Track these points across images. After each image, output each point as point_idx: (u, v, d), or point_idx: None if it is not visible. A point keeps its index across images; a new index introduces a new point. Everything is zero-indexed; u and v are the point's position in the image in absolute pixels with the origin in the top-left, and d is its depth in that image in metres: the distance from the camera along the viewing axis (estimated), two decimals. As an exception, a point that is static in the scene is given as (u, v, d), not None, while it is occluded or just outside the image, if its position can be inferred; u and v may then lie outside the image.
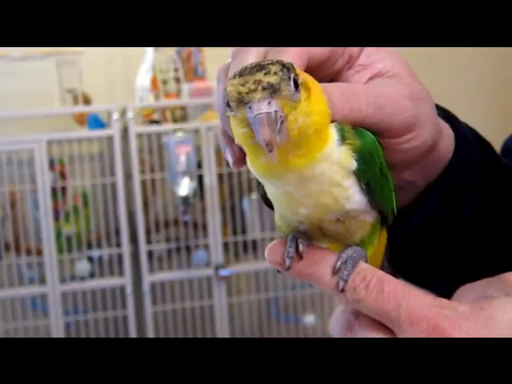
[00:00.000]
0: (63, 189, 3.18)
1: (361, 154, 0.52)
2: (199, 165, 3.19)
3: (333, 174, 0.52)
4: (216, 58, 3.38)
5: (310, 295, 3.47)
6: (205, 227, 3.25)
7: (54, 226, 3.08)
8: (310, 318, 3.43)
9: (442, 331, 0.48)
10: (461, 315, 0.48)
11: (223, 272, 3.20)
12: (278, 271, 0.55)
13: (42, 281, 3.13)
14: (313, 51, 0.55)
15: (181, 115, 3.31)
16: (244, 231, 3.34)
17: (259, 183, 0.57)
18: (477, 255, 0.67)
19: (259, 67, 0.48)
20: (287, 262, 0.53)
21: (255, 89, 0.47)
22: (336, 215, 0.54)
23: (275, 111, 0.47)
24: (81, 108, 3.25)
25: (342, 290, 0.51)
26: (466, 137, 0.66)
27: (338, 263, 0.52)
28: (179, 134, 3.15)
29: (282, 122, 0.47)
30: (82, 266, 3.17)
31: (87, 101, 3.29)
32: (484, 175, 0.66)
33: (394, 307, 0.49)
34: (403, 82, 0.58)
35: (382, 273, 0.52)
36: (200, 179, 3.20)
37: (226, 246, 3.29)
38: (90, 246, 3.20)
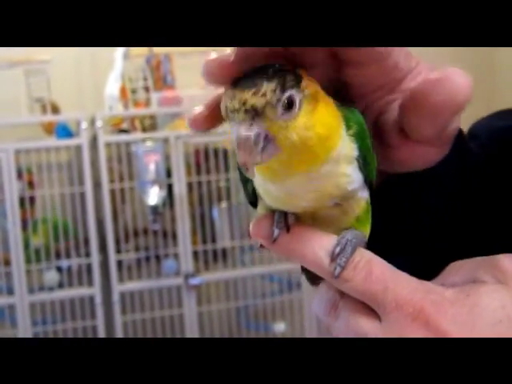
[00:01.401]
0: (31, 198, 3.15)
1: (358, 136, 0.52)
2: (168, 174, 3.19)
3: (338, 168, 0.51)
4: (185, 67, 3.40)
5: (280, 303, 3.48)
6: (174, 236, 3.24)
7: (22, 236, 3.05)
8: (280, 326, 3.44)
9: (427, 316, 0.48)
10: (446, 301, 0.48)
11: (193, 281, 3.20)
12: (261, 246, 0.54)
13: (10, 291, 3.10)
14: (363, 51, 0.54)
15: (150, 124, 3.30)
16: (214, 240, 3.34)
17: (245, 181, 0.57)
18: (445, 238, 0.66)
19: (252, 83, 0.47)
20: (276, 232, 0.52)
21: (239, 109, 0.47)
22: (336, 200, 0.53)
23: (256, 134, 0.47)
24: (49, 117, 3.23)
25: (337, 277, 0.51)
26: None
27: (337, 249, 0.51)
28: (148, 143, 3.14)
29: (268, 141, 0.47)
30: (51, 276, 3.15)
31: (55, 110, 3.27)
32: (457, 162, 0.65)
33: (380, 289, 0.49)
34: None
35: (371, 254, 0.52)
36: (169, 188, 3.19)
37: (195, 254, 3.29)
38: (58, 256, 3.18)
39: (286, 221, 0.53)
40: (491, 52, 4.05)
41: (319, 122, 0.49)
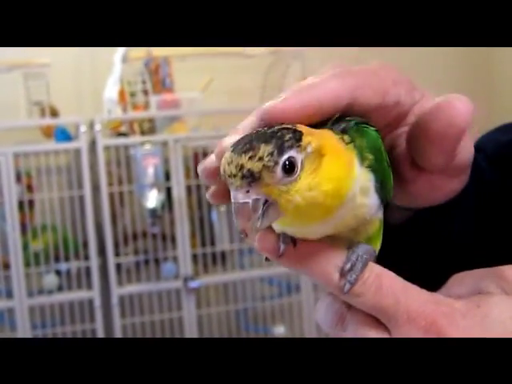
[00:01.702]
0: (30, 202, 3.15)
1: (374, 163, 0.51)
2: (167, 177, 3.19)
3: (355, 202, 0.50)
4: (184, 70, 3.40)
5: (280, 306, 3.48)
6: (173, 239, 3.24)
7: (21, 240, 3.05)
8: (279, 329, 3.44)
9: (439, 328, 0.48)
10: (457, 313, 0.48)
11: (192, 284, 3.20)
12: (267, 259, 0.53)
13: (9, 295, 3.09)
14: (362, 95, 0.52)
15: (149, 127, 3.30)
16: (213, 243, 3.34)
17: None
18: (468, 262, 0.66)
19: (249, 146, 0.45)
20: (282, 247, 0.51)
21: (236, 174, 0.45)
22: (352, 227, 0.52)
23: (254, 200, 0.45)
24: (48, 120, 3.23)
25: (346, 292, 0.50)
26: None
27: (347, 266, 0.50)
28: (147, 147, 3.14)
29: (269, 206, 0.46)
30: (50, 280, 3.15)
31: (54, 113, 3.27)
32: (473, 185, 0.65)
33: (392, 303, 0.49)
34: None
35: (381, 268, 0.51)
36: (168, 191, 3.19)
37: (194, 257, 3.28)
38: (57, 260, 3.17)
39: (293, 236, 0.51)
40: (489, 52, 4.05)
41: (325, 178, 0.47)
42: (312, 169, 0.46)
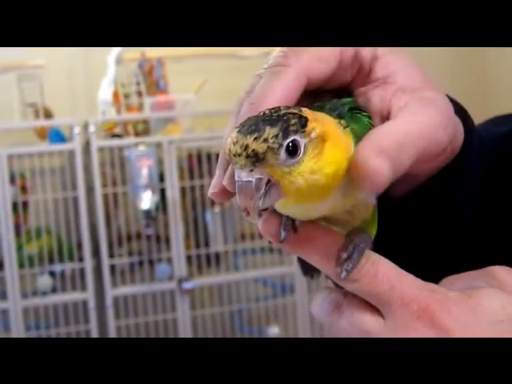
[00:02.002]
0: (24, 203, 3.15)
1: None
2: (161, 178, 3.19)
3: (351, 187, 0.51)
4: (178, 72, 3.41)
5: (274, 307, 3.49)
6: (167, 240, 3.25)
7: (16, 241, 3.05)
8: (273, 330, 3.44)
9: (432, 313, 0.49)
10: (450, 300, 0.49)
11: (186, 285, 3.20)
12: (270, 242, 0.54)
13: (3, 296, 3.09)
14: (313, 71, 0.53)
15: (143, 129, 3.31)
16: (207, 244, 3.34)
17: None
18: (469, 251, 0.66)
19: (255, 127, 0.47)
20: (283, 234, 0.52)
21: (240, 153, 0.47)
22: (347, 208, 0.53)
23: (257, 179, 0.47)
24: (42, 122, 3.23)
25: (343, 279, 0.51)
26: (473, 136, 0.64)
27: (344, 255, 0.52)
28: (141, 148, 3.15)
29: (271, 186, 0.47)
30: (44, 281, 3.15)
31: (48, 115, 3.27)
32: (480, 173, 0.66)
33: (386, 289, 0.50)
34: (434, 104, 0.55)
35: (377, 255, 0.52)
36: (162, 192, 3.20)
37: (188, 258, 3.29)
38: (51, 261, 3.17)
39: (294, 222, 0.53)
40: (484, 52, 4.07)
41: (327, 162, 0.48)
42: (315, 153, 0.48)
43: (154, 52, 3.31)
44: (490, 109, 3.88)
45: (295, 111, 0.48)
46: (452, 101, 0.61)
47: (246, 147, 0.46)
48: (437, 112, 0.55)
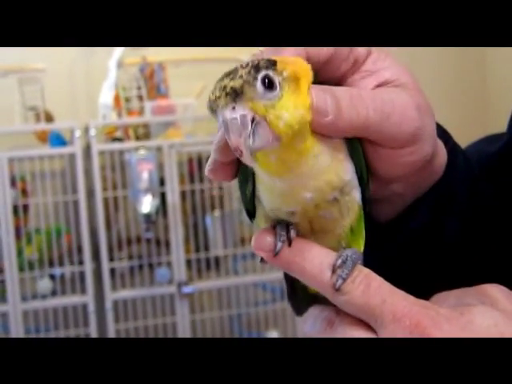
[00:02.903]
0: (25, 206, 3.16)
1: None
2: (162, 182, 3.20)
3: (333, 151, 0.53)
4: (179, 76, 3.41)
5: (273, 311, 3.49)
6: (167, 244, 3.25)
7: (16, 244, 3.06)
8: (272, 335, 3.44)
9: (423, 329, 0.49)
10: (442, 316, 0.49)
11: (186, 289, 3.20)
12: (262, 260, 0.55)
13: (3, 299, 3.09)
14: (313, 51, 0.54)
15: (143, 133, 3.31)
16: (207, 248, 3.35)
17: (245, 182, 0.57)
18: (456, 269, 0.67)
19: (229, 72, 0.49)
20: (278, 245, 0.53)
21: (220, 96, 0.48)
22: (335, 193, 0.53)
23: (242, 115, 0.48)
24: (43, 125, 3.23)
25: (337, 289, 0.51)
26: (456, 155, 0.65)
27: (339, 261, 0.52)
28: (141, 152, 3.15)
29: (256, 124, 0.48)
30: (44, 284, 3.15)
31: (49, 118, 3.27)
32: (467, 192, 0.67)
33: (378, 303, 0.50)
34: (410, 93, 0.57)
35: (368, 270, 0.53)
36: (162, 196, 3.20)
37: (188, 263, 3.29)
38: (51, 264, 3.18)
39: (288, 234, 0.54)
40: (483, 52, 4.07)
41: (304, 104, 0.50)
42: (292, 89, 0.49)
43: (154, 56, 3.32)
44: (490, 109, 3.89)
45: (262, 59, 0.50)
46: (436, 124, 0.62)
47: (224, 87, 0.48)
48: (408, 95, 0.57)
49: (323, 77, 0.56)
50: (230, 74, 0.49)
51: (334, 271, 0.52)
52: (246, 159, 0.49)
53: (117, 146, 3.22)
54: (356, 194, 0.55)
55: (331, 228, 0.55)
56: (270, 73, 0.49)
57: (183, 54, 3.28)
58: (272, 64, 0.49)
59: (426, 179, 0.63)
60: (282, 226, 0.54)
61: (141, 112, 3.32)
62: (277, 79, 0.49)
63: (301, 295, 0.60)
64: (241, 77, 0.48)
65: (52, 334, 3.19)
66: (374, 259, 0.60)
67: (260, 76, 0.49)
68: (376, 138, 0.55)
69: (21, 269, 3.09)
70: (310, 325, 0.56)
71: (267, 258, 0.54)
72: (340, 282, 0.51)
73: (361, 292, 0.51)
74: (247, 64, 0.49)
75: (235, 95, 0.48)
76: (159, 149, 3.18)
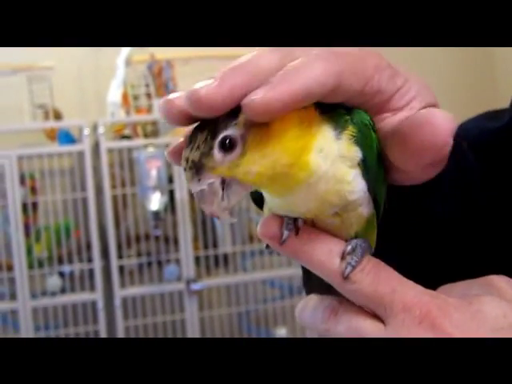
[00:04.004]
0: (34, 204, 3.17)
1: (360, 137, 0.51)
2: (170, 180, 3.20)
3: (336, 172, 0.50)
4: (187, 74, 3.41)
5: (281, 308, 3.49)
6: (176, 241, 3.25)
7: (25, 242, 3.07)
8: (281, 331, 3.44)
9: (433, 319, 0.48)
10: (451, 306, 0.49)
11: (194, 286, 3.21)
12: (267, 247, 0.54)
13: (13, 296, 3.11)
14: (346, 81, 0.50)
15: (152, 130, 3.32)
16: (215, 245, 3.35)
17: None
18: (456, 253, 0.66)
19: (190, 139, 0.48)
20: (285, 234, 0.52)
21: (185, 168, 0.48)
22: (336, 209, 0.52)
23: (209, 184, 0.47)
24: (52, 123, 3.25)
25: (346, 277, 0.51)
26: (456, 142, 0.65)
27: (349, 248, 0.52)
28: (150, 149, 3.16)
29: (229, 184, 0.48)
30: (53, 282, 3.16)
31: (58, 116, 3.28)
32: (454, 169, 0.64)
33: (388, 291, 0.50)
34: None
35: (378, 259, 0.52)
36: (171, 194, 3.21)
37: (197, 260, 3.29)
38: (60, 262, 3.19)
39: (296, 223, 0.53)
40: (492, 51, 4.06)
41: (276, 148, 0.48)
42: (258, 140, 0.47)
43: (162, 54, 3.32)
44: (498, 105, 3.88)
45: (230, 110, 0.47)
46: None
47: (187, 160, 0.48)
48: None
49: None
50: (191, 142, 0.48)
51: (343, 258, 0.51)
52: (224, 220, 0.49)
53: (125, 143, 3.22)
54: (363, 210, 0.54)
55: (335, 233, 0.54)
56: (230, 132, 0.47)
57: (191, 51, 3.28)
58: (234, 117, 0.47)
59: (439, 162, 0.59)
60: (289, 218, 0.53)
61: (149, 110, 3.32)
62: (238, 135, 0.47)
63: (316, 283, 0.58)
64: (198, 148, 0.47)
65: (61, 331, 3.20)
66: (379, 250, 0.59)
67: (217, 142, 0.47)
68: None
69: (30, 266, 3.10)
70: (310, 314, 0.56)
71: (273, 246, 0.53)
72: (349, 269, 0.51)
73: (370, 281, 0.51)
74: (206, 124, 0.47)
75: (197, 168, 0.47)
76: (167, 146, 3.16)
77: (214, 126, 0.47)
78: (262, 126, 0.47)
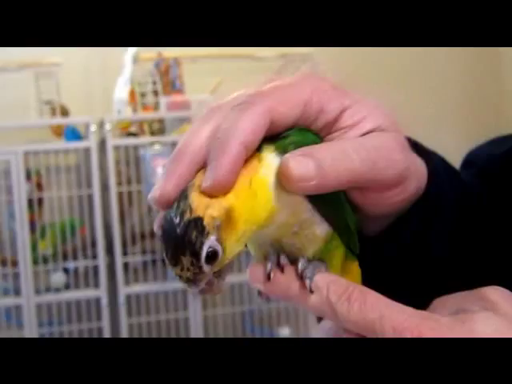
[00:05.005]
0: (40, 200, 3.17)
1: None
2: (176, 178, 3.20)
3: (293, 204, 0.53)
4: (194, 72, 3.42)
5: (285, 308, 3.48)
6: (181, 240, 3.25)
7: (30, 238, 3.07)
8: (284, 331, 3.44)
9: None
10: (443, 327, 0.48)
11: (199, 284, 3.20)
12: (260, 293, 0.56)
13: (17, 292, 3.12)
14: (276, 112, 0.52)
15: (158, 128, 3.32)
16: (220, 244, 3.34)
17: None
18: (448, 281, 0.65)
19: (174, 260, 0.49)
20: (272, 275, 0.54)
21: (180, 277, 0.50)
22: (295, 228, 0.54)
23: (202, 285, 0.51)
24: (58, 120, 3.25)
25: (311, 291, 0.52)
26: (437, 169, 0.65)
27: (299, 265, 0.53)
28: (156, 147, 3.16)
29: (219, 275, 0.52)
30: (58, 278, 3.17)
31: (65, 112, 3.29)
32: (452, 205, 0.66)
33: (377, 317, 0.49)
34: (392, 134, 0.56)
35: (363, 286, 0.52)
36: (177, 192, 3.20)
37: (201, 258, 3.29)
38: (65, 258, 3.19)
39: (279, 261, 0.55)
40: (498, 51, 4.05)
41: (243, 223, 0.50)
42: (228, 229, 0.50)
43: (170, 52, 3.32)
44: (504, 109, 3.87)
45: (191, 217, 0.49)
46: (415, 143, 0.62)
47: (181, 277, 0.50)
48: (390, 136, 0.56)
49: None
50: (178, 264, 0.49)
51: (301, 277, 0.53)
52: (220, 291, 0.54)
53: (131, 140, 3.23)
54: (316, 230, 0.55)
55: (298, 256, 0.55)
56: (208, 244, 0.49)
57: (199, 49, 3.28)
58: (202, 231, 0.49)
59: (406, 195, 0.61)
60: (273, 255, 0.55)
61: (156, 107, 3.33)
62: (215, 241, 0.49)
63: None
64: (188, 269, 0.49)
65: (65, 328, 3.21)
66: (367, 274, 0.60)
67: (203, 261, 0.49)
68: (363, 185, 0.55)
69: (35, 262, 3.11)
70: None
71: (264, 290, 0.55)
72: (308, 282, 0.52)
73: (357, 309, 0.50)
74: (184, 245, 0.49)
75: (193, 281, 0.50)
76: (174, 144, 3.18)
77: (192, 249, 0.49)
78: (226, 218, 0.49)
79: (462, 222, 0.67)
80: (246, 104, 0.52)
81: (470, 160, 0.76)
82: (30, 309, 3.08)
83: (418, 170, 0.61)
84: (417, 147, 0.62)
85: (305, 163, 0.50)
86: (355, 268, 0.60)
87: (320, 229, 0.55)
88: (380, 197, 0.57)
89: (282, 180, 0.51)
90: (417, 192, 0.61)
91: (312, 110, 0.54)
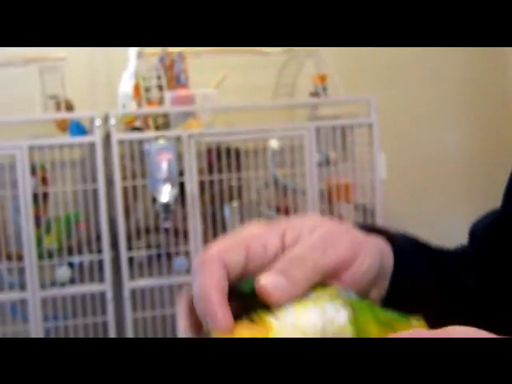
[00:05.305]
0: (45, 194, 3.18)
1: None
2: (181, 172, 3.20)
3: None
4: (199, 66, 3.42)
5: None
6: (186, 234, 3.26)
7: (35, 232, 3.08)
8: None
9: None
10: None
11: (203, 279, 3.20)
12: None
13: (22, 286, 3.12)
14: (225, 258, 0.59)
15: (163, 123, 3.32)
16: (225, 238, 3.34)
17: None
18: None
19: None
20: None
21: None
22: None
23: None
24: (63, 114, 3.25)
25: None
26: (403, 249, 0.69)
27: None
28: (161, 142, 3.16)
29: None
30: (63, 272, 3.17)
31: (70, 107, 3.29)
32: (427, 279, 0.70)
33: None
34: (331, 224, 0.63)
35: None
36: (181, 186, 3.21)
37: (206, 252, 3.29)
38: (70, 252, 3.20)
39: None
40: (505, 51, 4.04)
41: None
42: None
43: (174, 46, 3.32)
44: (509, 106, 3.86)
45: None
46: (380, 230, 0.69)
47: None
48: (331, 226, 0.63)
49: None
50: None
51: None
52: None
53: (136, 135, 3.22)
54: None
55: None
56: None
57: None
58: None
59: (376, 281, 0.66)
60: None
61: (160, 102, 3.32)
62: None
63: None
64: None
65: (70, 322, 3.22)
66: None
67: None
68: (325, 273, 0.60)
69: (40, 257, 3.12)
70: None
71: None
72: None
73: None
74: None
75: None
76: (178, 139, 3.19)
77: None
78: None
79: (443, 296, 0.71)
80: (201, 263, 0.59)
81: (473, 231, 0.81)
82: (36, 303, 3.09)
83: (386, 260, 0.66)
84: (375, 230, 0.68)
85: (276, 280, 0.57)
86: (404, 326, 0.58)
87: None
88: (347, 274, 0.61)
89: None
90: (383, 274, 0.66)
91: (255, 247, 0.61)
